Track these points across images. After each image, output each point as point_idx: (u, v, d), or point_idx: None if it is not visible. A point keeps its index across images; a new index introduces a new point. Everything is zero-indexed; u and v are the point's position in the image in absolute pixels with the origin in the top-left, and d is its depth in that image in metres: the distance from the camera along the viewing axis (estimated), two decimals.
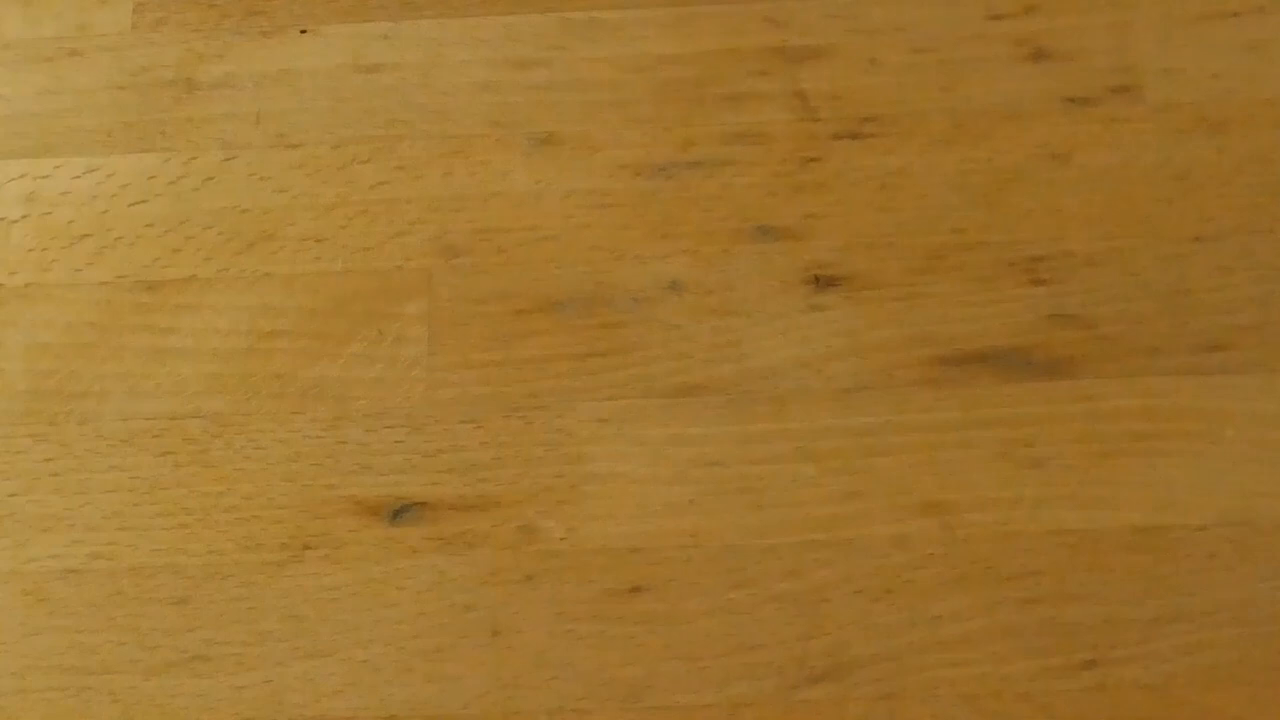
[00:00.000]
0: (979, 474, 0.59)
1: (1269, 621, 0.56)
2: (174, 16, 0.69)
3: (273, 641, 0.58)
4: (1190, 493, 0.58)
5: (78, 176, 0.67)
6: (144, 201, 0.66)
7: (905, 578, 0.58)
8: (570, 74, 0.68)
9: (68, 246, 0.66)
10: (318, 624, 0.58)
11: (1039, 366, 0.61)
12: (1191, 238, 0.62)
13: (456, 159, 0.66)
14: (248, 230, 0.65)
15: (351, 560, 0.59)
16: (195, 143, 0.67)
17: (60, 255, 0.66)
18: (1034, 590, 0.57)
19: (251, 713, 0.57)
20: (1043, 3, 0.67)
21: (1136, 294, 0.62)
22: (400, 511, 0.60)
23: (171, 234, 0.66)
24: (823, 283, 0.63)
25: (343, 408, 0.62)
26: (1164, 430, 0.59)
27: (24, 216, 0.66)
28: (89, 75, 0.68)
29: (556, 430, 0.61)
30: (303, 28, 0.69)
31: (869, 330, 0.62)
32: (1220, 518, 0.58)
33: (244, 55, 0.68)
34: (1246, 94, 0.65)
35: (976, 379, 0.61)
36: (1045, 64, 0.66)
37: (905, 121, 0.66)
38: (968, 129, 0.65)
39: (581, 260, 0.64)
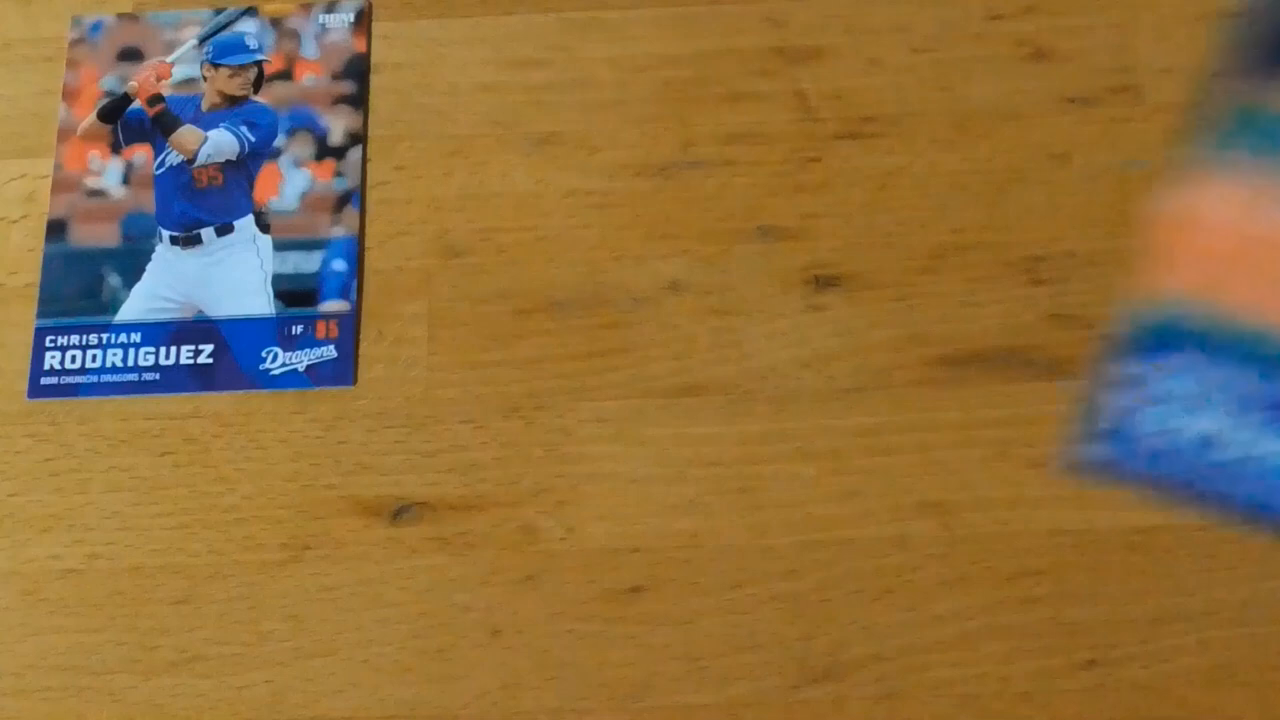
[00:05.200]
0: (979, 474, 0.59)
1: (1269, 622, 0.56)
2: None
3: (273, 641, 0.58)
4: None
5: None
6: None
7: (904, 578, 0.58)
8: (570, 74, 0.68)
9: None
10: (318, 624, 0.58)
11: (1039, 366, 0.61)
12: None
13: (456, 159, 0.66)
14: None
15: (351, 560, 0.59)
16: None
17: None
18: (1034, 590, 0.57)
19: (251, 713, 0.57)
20: (1043, 3, 0.67)
21: None
22: (400, 511, 0.60)
23: None
24: (822, 282, 0.63)
25: (343, 408, 0.62)
26: None
27: (24, 216, 0.66)
28: None
29: (556, 430, 0.61)
30: None
31: (868, 330, 0.62)
32: (1220, 518, 0.58)
33: None
34: None
35: (976, 379, 0.61)
36: (1045, 64, 0.66)
37: (905, 121, 0.66)
38: (968, 129, 0.65)
39: (581, 260, 0.64)
